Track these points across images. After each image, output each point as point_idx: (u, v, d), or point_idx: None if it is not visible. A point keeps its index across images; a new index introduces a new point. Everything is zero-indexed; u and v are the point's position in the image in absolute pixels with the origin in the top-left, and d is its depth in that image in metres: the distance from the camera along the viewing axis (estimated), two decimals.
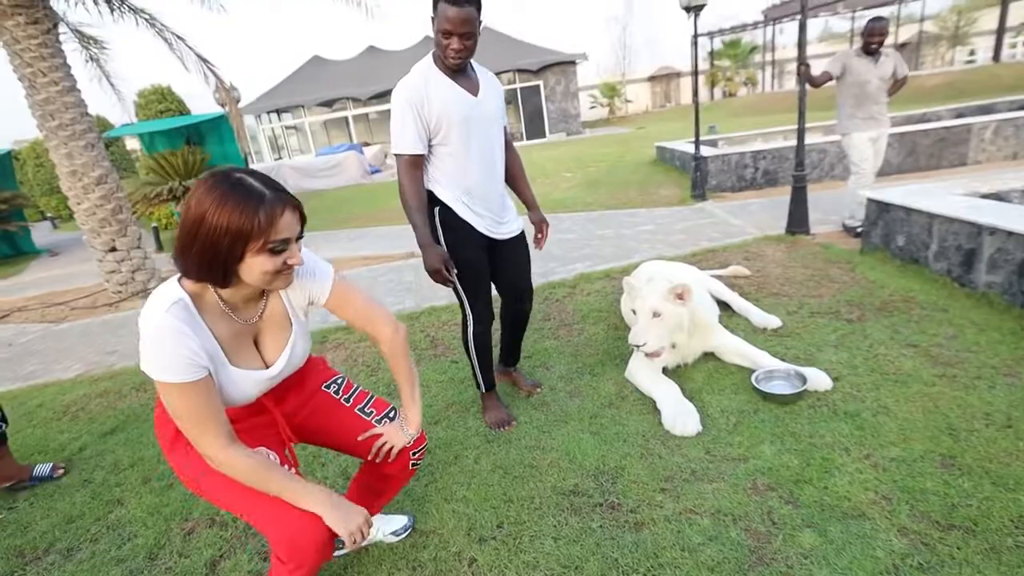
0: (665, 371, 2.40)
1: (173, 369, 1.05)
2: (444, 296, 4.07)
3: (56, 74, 5.06)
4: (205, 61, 6.44)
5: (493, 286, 2.20)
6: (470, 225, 2.01)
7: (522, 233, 2.20)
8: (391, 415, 1.49)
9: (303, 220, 1.13)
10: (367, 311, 1.37)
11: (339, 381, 1.50)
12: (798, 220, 4.33)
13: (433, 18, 1.80)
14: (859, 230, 4.13)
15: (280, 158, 20.80)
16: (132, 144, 16.75)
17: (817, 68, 4.14)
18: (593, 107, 27.52)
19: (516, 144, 1.93)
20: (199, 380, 1.08)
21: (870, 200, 3.61)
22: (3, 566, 1.81)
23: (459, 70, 1.89)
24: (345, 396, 1.48)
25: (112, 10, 6.08)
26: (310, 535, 1.16)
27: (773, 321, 2.77)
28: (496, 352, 2.53)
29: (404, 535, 1.70)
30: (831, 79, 4.19)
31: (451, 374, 2.78)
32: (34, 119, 5.16)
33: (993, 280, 2.69)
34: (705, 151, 6.90)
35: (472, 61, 1.95)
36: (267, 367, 1.25)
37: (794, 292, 3.19)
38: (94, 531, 1.94)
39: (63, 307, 5.68)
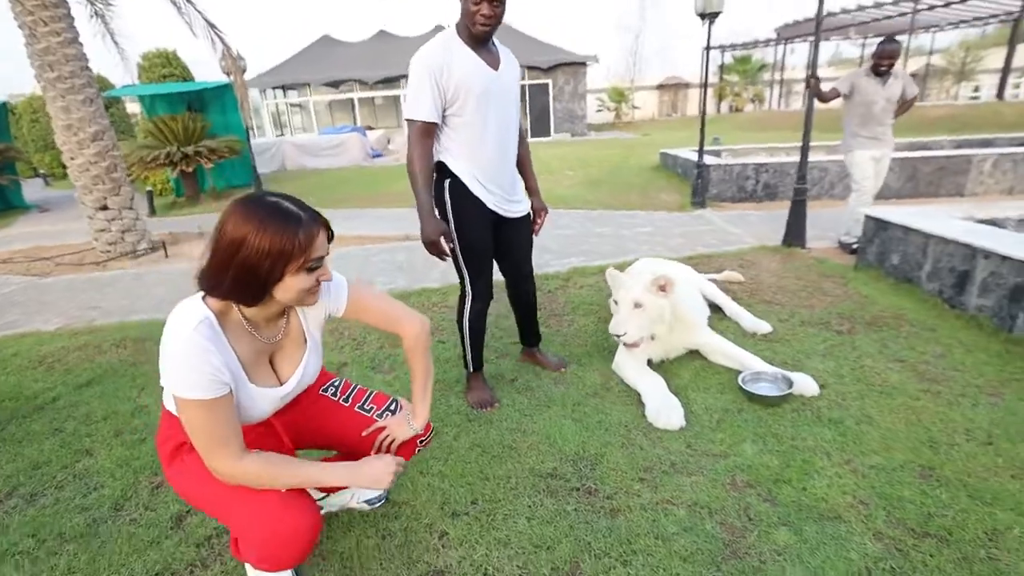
0: (650, 365, 2.39)
1: (198, 387, 1.05)
2: (436, 278, 4.04)
3: (58, 24, 4.96)
4: (213, 27, 6.35)
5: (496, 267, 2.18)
6: (480, 200, 1.98)
7: (528, 215, 2.19)
8: (392, 408, 1.48)
9: (331, 237, 1.16)
10: (388, 312, 1.40)
11: (336, 384, 1.50)
12: (795, 233, 4.35)
13: None
14: (854, 247, 4.15)
15: (282, 134, 20.62)
16: (133, 108, 16.52)
17: (826, 87, 4.16)
18: (600, 110, 27.52)
19: None
20: (221, 397, 1.09)
21: (869, 217, 3.63)
22: None
23: (482, 41, 1.86)
24: (343, 396, 1.47)
25: None
26: (303, 524, 1.16)
27: (763, 326, 2.77)
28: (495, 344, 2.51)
29: (378, 504, 1.68)
30: (839, 96, 4.20)
31: (437, 353, 2.75)
32: (32, 69, 5.06)
33: (984, 303, 2.70)
34: (708, 160, 6.91)
35: (494, 38, 1.93)
36: (280, 384, 1.27)
37: (786, 301, 3.19)
38: (60, 478, 1.89)
39: (49, 262, 5.58)
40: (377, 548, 1.52)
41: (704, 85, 7.05)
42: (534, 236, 2.26)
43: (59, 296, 4.34)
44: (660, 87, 32.11)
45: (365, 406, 1.47)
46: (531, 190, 2.24)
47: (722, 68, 25.56)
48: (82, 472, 1.93)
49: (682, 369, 2.44)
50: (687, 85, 31.15)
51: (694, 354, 2.54)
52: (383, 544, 1.53)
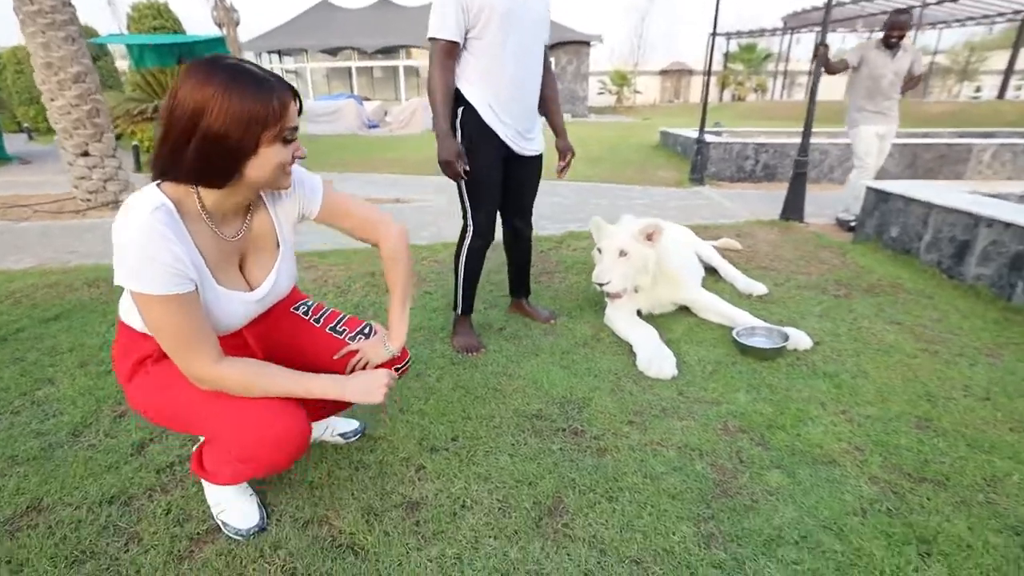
0: (640, 317, 2.32)
1: (159, 280, 0.93)
2: (426, 236, 3.94)
3: None
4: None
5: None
6: (492, 131, 1.90)
7: (541, 156, 2.10)
8: (366, 331, 1.38)
9: (300, 110, 1.04)
10: (366, 216, 1.29)
11: (308, 303, 1.40)
12: (794, 207, 4.27)
13: None
14: (852, 225, 4.09)
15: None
16: (122, 66, 16.03)
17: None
18: (601, 93, 27.21)
19: None
20: (186, 293, 0.97)
21: (870, 189, 3.56)
22: None
23: None
24: (315, 317, 1.37)
25: None
26: (294, 428, 1.09)
27: (759, 287, 2.70)
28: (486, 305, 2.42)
29: (353, 439, 1.60)
30: (847, 68, 4.10)
31: (423, 302, 2.66)
32: (11, 1, 4.81)
33: (983, 272, 2.65)
34: (708, 138, 6.81)
35: None
36: (251, 289, 1.16)
37: (782, 268, 3.12)
38: (17, 404, 1.79)
39: (26, 209, 5.38)
40: (350, 479, 1.44)
41: (713, 33, 6.88)
42: (561, 178, 2.19)
43: (34, 240, 4.18)
44: (663, 73, 31.79)
45: (337, 328, 1.37)
46: (557, 130, 2.16)
47: (727, 56, 25.29)
48: (41, 399, 1.82)
49: (675, 324, 2.37)
50: (690, 72, 30.86)
51: (686, 311, 2.47)
52: (356, 475, 1.45)
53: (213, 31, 8.98)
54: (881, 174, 4.84)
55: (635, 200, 5.36)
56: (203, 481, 1.30)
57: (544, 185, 2.26)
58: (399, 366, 1.39)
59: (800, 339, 2.08)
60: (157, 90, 8.44)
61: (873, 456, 1.48)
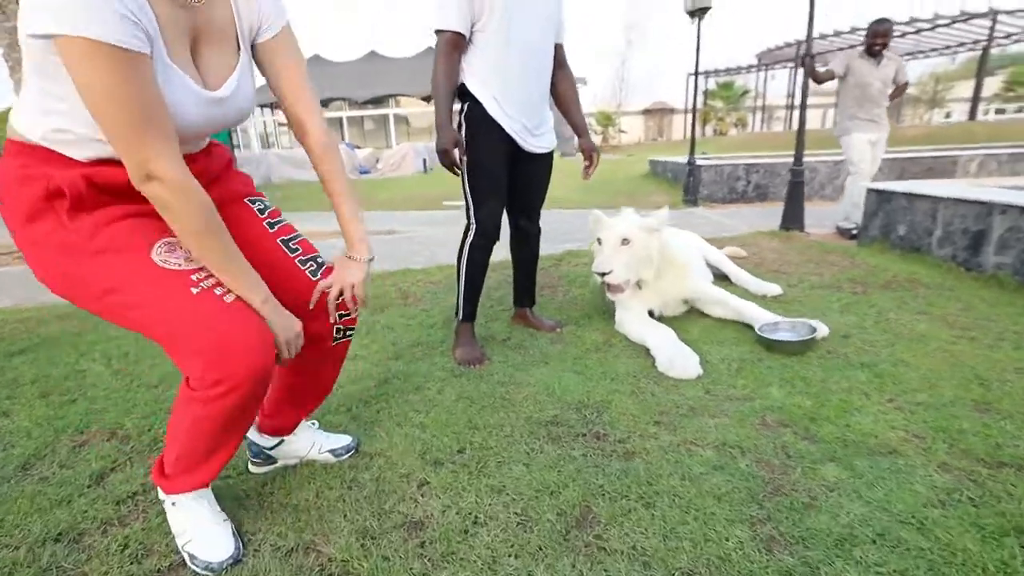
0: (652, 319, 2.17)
1: (109, 23, 0.71)
2: (422, 261, 3.81)
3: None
4: None
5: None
6: (497, 124, 1.81)
7: (551, 153, 2.01)
8: (319, 260, 1.17)
9: None
10: (304, 84, 1.09)
11: (266, 203, 1.19)
12: (794, 216, 4.21)
13: None
14: (854, 232, 4.01)
15: (268, 148, 20.45)
16: None
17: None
18: None
19: None
20: (141, 55, 0.76)
21: (871, 191, 3.50)
22: None
23: None
24: (269, 221, 1.16)
25: None
26: (251, 339, 0.92)
27: (773, 288, 2.57)
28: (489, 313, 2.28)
29: (345, 456, 1.40)
30: (833, 77, 4.13)
31: (420, 319, 2.50)
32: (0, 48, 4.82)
33: (1003, 261, 2.54)
34: (699, 161, 6.86)
35: None
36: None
37: (792, 271, 3.01)
38: None
39: (8, 256, 5.23)
40: (341, 499, 1.24)
41: (695, 73, 7.03)
42: (587, 177, 2.08)
43: (13, 283, 4.00)
44: (646, 112, 32.81)
45: (290, 244, 1.15)
46: (578, 128, 2.05)
47: (706, 94, 26.19)
48: None
49: (690, 325, 2.21)
50: (672, 110, 31.89)
51: (699, 313, 2.32)
52: (349, 495, 1.25)
53: None
54: None
55: None
56: (167, 504, 1.10)
57: (542, 213, 2.16)
58: (344, 315, 1.17)
59: (821, 328, 1.94)
60: None
61: (937, 443, 1.30)
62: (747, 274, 2.74)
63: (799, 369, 1.75)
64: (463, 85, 1.82)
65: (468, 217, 1.94)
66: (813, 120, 21.65)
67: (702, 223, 5.05)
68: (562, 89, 2.02)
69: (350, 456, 1.41)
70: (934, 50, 19.48)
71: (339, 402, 1.70)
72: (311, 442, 1.39)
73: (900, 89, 4.17)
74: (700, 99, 25.71)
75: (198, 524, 1.08)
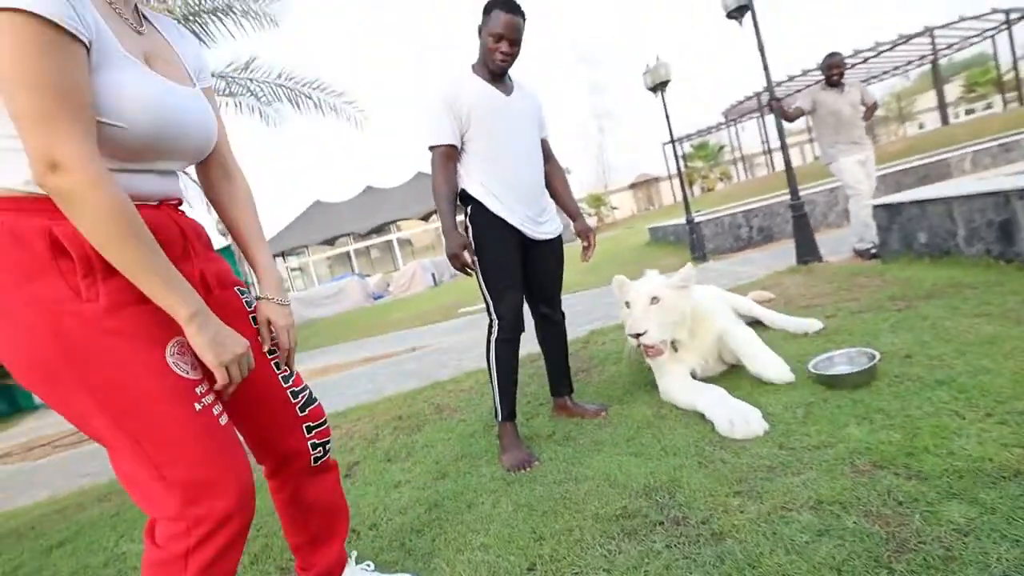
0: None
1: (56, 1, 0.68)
2: (448, 372, 3.76)
3: None
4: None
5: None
6: (501, 220, 1.87)
7: (560, 238, 2.05)
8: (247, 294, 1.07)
9: None
10: (227, 136, 1.09)
11: (253, 294, 1.10)
12: (807, 248, 4.17)
13: (481, 27, 1.84)
14: (873, 252, 3.94)
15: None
16: None
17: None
18: None
19: None
20: (72, 37, 0.71)
21: (877, 207, 3.48)
22: None
23: (498, 76, 1.88)
24: (253, 315, 1.05)
25: None
26: (241, 468, 0.85)
27: (813, 323, 2.46)
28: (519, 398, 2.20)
29: None
30: (803, 114, 4.30)
31: (459, 431, 2.39)
32: None
33: None
34: (698, 217, 6.98)
35: (515, 77, 1.96)
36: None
37: (826, 302, 2.90)
38: None
39: (47, 447, 5.27)
40: None
41: (671, 141, 7.36)
42: (586, 258, 2.09)
43: (51, 474, 3.98)
44: (633, 186, 34.23)
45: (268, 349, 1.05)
46: (572, 213, 2.12)
47: (685, 158, 27.46)
48: None
49: (738, 379, 2.09)
50: (656, 179, 33.23)
51: (741, 369, 2.21)
52: None
53: (219, 241, 9.72)
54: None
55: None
56: None
57: None
58: (318, 442, 1.09)
59: (876, 353, 1.81)
60: None
61: None
62: (781, 315, 2.65)
63: (872, 401, 1.61)
64: (463, 191, 1.90)
65: (489, 314, 1.93)
66: (795, 158, 22.37)
67: (717, 276, 5.01)
68: (552, 180, 2.10)
69: None
70: (885, 72, 20.55)
71: (390, 536, 1.57)
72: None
73: (871, 109, 4.31)
74: (681, 163, 26.92)
75: None
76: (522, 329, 1.93)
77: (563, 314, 2.17)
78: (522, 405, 2.51)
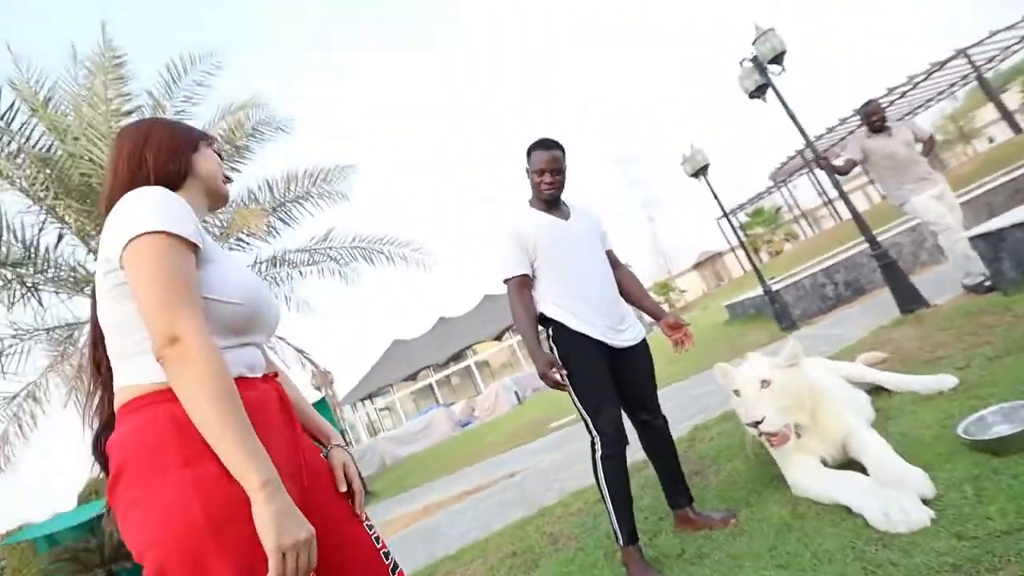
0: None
1: (180, 222, 0.89)
2: (553, 495, 3.60)
3: None
4: (301, 352, 7.40)
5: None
6: (583, 335, 1.93)
7: (645, 342, 2.07)
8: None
9: None
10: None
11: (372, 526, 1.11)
12: (908, 295, 3.85)
13: (527, 168, 2.09)
14: (987, 284, 3.58)
15: (374, 435, 21.78)
16: None
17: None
18: None
19: None
20: (195, 251, 0.91)
21: (975, 239, 3.22)
22: None
23: (552, 203, 2.08)
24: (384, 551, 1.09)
25: None
26: None
27: (946, 380, 2.20)
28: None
29: None
30: (855, 164, 4.23)
31: (579, 562, 2.24)
32: None
33: None
34: (775, 285, 6.71)
35: (569, 201, 2.15)
36: None
37: (952, 352, 2.61)
38: None
39: None
40: None
41: (724, 215, 7.33)
42: (682, 350, 2.05)
43: None
44: (697, 266, 33.70)
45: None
46: (654, 313, 2.13)
47: (743, 228, 27.05)
48: None
49: None
50: (720, 254, 32.63)
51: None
52: None
53: (313, 395, 10.32)
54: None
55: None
56: None
57: None
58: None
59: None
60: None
61: None
62: (903, 376, 2.40)
63: None
64: (542, 314, 1.99)
65: (590, 431, 1.91)
66: (859, 203, 21.43)
67: (814, 343, 4.66)
68: (625, 285, 2.15)
69: None
70: (930, 100, 20.00)
71: None
72: None
73: (929, 143, 4.16)
74: (740, 234, 26.48)
75: None
76: (626, 442, 1.88)
77: (664, 418, 2.09)
78: (640, 523, 2.33)
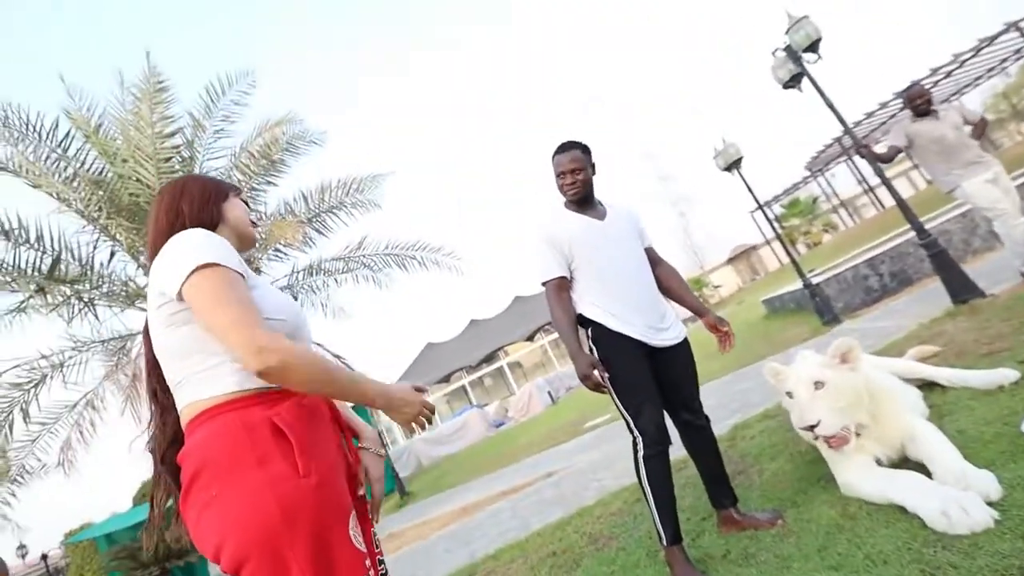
0: None
1: (227, 255, 1.01)
2: (592, 494, 3.59)
3: None
4: (338, 357, 7.58)
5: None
6: (622, 335, 1.92)
7: (686, 341, 2.05)
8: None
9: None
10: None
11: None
12: (961, 285, 3.67)
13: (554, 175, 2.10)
14: None
15: (410, 436, 22.08)
16: None
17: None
18: None
19: None
20: (239, 274, 1.02)
21: None
22: None
23: (583, 203, 2.07)
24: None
25: None
26: None
27: (1007, 374, 2.09)
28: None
29: None
30: (899, 151, 4.05)
31: (620, 562, 2.23)
32: None
33: None
34: (816, 279, 6.49)
35: (605, 200, 2.14)
36: None
37: (1011, 344, 2.48)
38: None
39: None
40: None
41: (759, 206, 7.14)
42: (726, 350, 2.06)
43: None
44: (731, 260, 32.89)
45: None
46: (696, 310, 2.10)
47: (778, 220, 26.20)
48: None
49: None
50: (755, 247, 31.73)
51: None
52: None
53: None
54: None
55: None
56: None
57: None
58: None
59: None
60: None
61: None
62: (959, 370, 2.29)
63: None
64: (581, 315, 1.99)
65: (631, 431, 1.90)
66: (903, 189, 20.48)
67: (860, 337, 4.47)
68: (667, 282, 2.13)
69: None
70: (978, 79, 18.95)
71: None
72: None
73: (980, 125, 3.94)
74: (776, 226, 25.65)
75: None
76: (668, 441, 1.86)
77: (707, 417, 2.07)
78: (683, 523, 2.30)
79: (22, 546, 18.89)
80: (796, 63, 4.28)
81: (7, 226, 5.90)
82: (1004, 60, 17.54)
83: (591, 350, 1.96)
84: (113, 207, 6.37)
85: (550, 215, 2.11)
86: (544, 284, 2.01)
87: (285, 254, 7.70)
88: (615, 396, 1.90)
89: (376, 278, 8.04)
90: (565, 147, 2.06)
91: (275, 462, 0.92)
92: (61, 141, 6.14)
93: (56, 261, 6.14)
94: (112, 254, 6.69)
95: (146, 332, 1.11)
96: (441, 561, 3.78)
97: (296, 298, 7.53)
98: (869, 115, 15.88)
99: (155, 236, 1.10)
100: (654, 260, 2.13)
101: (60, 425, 6.56)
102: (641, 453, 1.84)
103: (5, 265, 5.87)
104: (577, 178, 2.03)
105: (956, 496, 1.43)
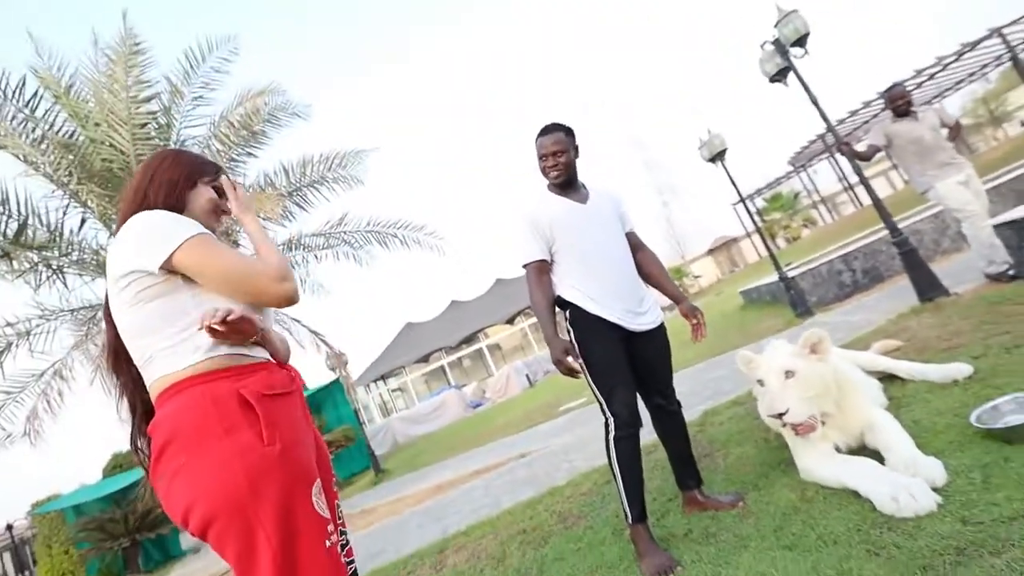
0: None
1: (194, 226, 1.07)
2: (563, 475, 3.66)
3: None
4: (316, 334, 7.52)
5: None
6: (599, 318, 1.94)
7: (662, 326, 2.08)
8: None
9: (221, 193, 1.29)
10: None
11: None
12: (927, 283, 3.79)
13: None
14: (1011, 272, 3.51)
15: (387, 415, 22.14)
16: None
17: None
18: None
19: None
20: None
21: (1002, 226, 3.17)
22: None
23: (566, 186, 2.07)
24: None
25: None
26: None
27: (961, 369, 2.19)
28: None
29: None
30: (878, 151, 4.14)
31: (588, 540, 2.29)
32: None
33: None
34: (791, 272, 6.63)
35: (589, 184, 2.15)
36: None
37: (969, 341, 2.58)
38: None
39: None
40: None
41: (741, 200, 7.24)
42: (698, 340, 2.09)
43: None
44: (712, 251, 33.30)
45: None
46: (674, 296, 2.15)
47: (760, 213, 26.54)
48: None
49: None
50: (735, 239, 32.17)
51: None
52: None
53: (327, 376, 10.47)
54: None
55: None
56: None
57: None
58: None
59: None
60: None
61: None
62: (918, 364, 2.39)
63: None
64: (559, 297, 2.00)
65: (604, 413, 1.93)
66: (882, 188, 20.89)
67: (831, 330, 4.55)
68: (647, 268, 2.15)
69: None
70: (960, 83, 19.30)
71: None
72: None
73: (956, 129, 4.05)
74: (757, 219, 25.99)
75: None
76: (640, 424, 1.91)
77: (679, 403, 2.12)
78: (649, 504, 2.37)
79: None
80: (783, 57, 4.30)
81: None
82: (985, 66, 17.88)
83: (568, 331, 1.98)
84: (84, 172, 6.14)
85: (533, 197, 2.11)
86: (524, 266, 2.02)
87: (264, 227, 7.53)
88: (589, 378, 1.94)
89: (357, 255, 7.94)
90: (548, 129, 2.05)
91: (242, 432, 0.95)
92: (28, 101, 5.86)
93: (23, 226, 5.92)
94: (83, 221, 6.47)
95: (107, 315, 1.11)
96: (413, 536, 3.83)
97: None
98: (853, 113, 16.10)
99: (124, 211, 1.16)
100: (635, 244, 2.15)
101: (26, 394, 6.40)
102: (612, 435, 1.88)
103: None
104: (560, 160, 2.02)
105: (905, 482, 1.51)
